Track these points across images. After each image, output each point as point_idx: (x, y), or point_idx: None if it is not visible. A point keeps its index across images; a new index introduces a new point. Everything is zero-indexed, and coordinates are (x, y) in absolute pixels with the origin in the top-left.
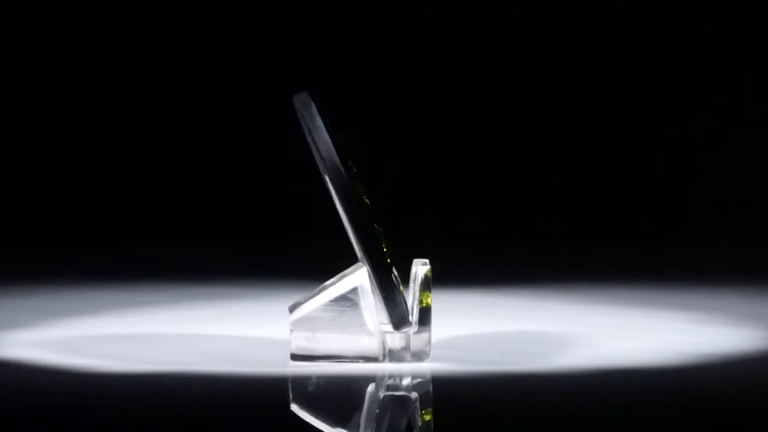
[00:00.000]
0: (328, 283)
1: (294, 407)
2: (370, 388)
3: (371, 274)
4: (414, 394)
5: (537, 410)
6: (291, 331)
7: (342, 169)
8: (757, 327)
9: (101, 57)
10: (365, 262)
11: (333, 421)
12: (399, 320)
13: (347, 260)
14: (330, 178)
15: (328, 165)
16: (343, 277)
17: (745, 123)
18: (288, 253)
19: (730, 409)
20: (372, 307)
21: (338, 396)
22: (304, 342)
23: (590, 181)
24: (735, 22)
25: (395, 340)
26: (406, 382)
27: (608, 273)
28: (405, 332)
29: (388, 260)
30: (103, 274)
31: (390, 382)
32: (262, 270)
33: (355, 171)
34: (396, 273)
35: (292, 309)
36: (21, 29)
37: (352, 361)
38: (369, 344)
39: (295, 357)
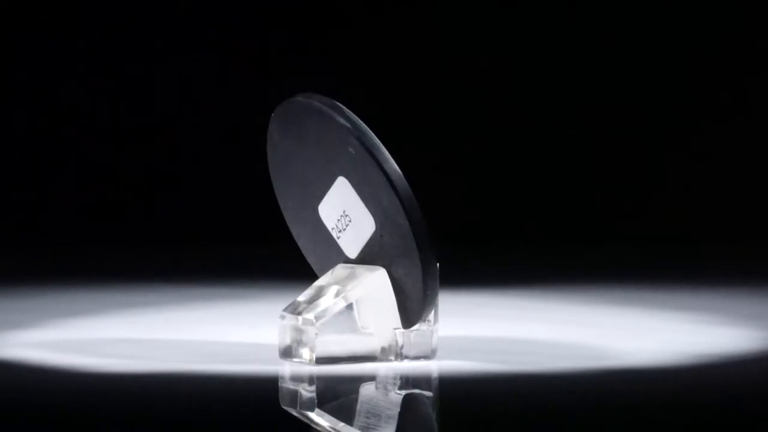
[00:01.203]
0: (306, 296)
1: (320, 411)
2: (387, 386)
3: (424, 269)
4: (425, 393)
5: (538, 409)
6: (316, 335)
7: (396, 166)
8: (757, 327)
9: (102, 55)
10: (411, 256)
11: (346, 420)
12: (424, 316)
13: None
14: (387, 172)
15: (383, 162)
16: (340, 280)
17: (745, 123)
18: (287, 253)
19: (730, 409)
20: (391, 307)
21: (350, 395)
22: (329, 345)
23: (590, 181)
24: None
25: (410, 337)
26: (415, 380)
27: (608, 273)
28: (423, 330)
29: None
30: (103, 275)
31: (404, 381)
32: (262, 270)
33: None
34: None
35: (289, 311)
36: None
37: (372, 361)
38: (389, 343)
39: (320, 360)
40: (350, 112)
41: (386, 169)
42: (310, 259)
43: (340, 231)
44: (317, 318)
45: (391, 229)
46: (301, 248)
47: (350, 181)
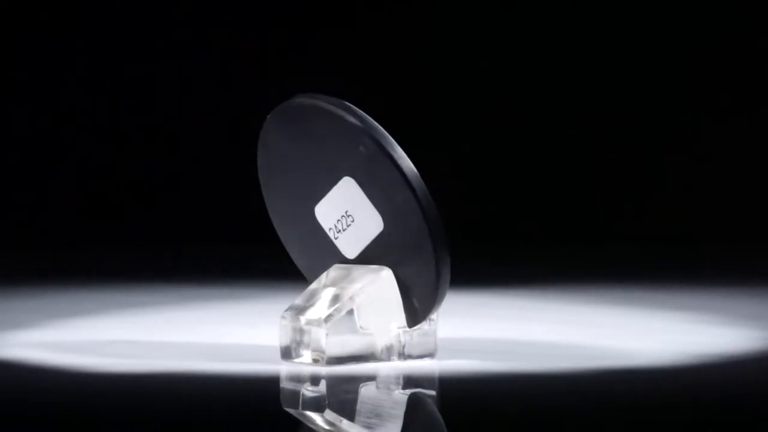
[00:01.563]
0: (306, 298)
1: (321, 411)
2: (390, 385)
3: (438, 267)
4: (427, 392)
5: (538, 409)
6: (326, 335)
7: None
8: (757, 327)
9: (102, 55)
10: (423, 255)
11: (347, 420)
12: (430, 315)
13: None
14: (403, 170)
15: (398, 160)
16: (338, 281)
17: (745, 123)
18: (287, 253)
19: (730, 409)
20: (396, 307)
21: (351, 395)
22: (334, 346)
23: (590, 181)
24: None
25: (412, 337)
26: (416, 380)
27: (608, 273)
28: (426, 329)
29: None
30: (103, 275)
31: (405, 380)
32: (262, 270)
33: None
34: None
35: (291, 313)
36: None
37: (375, 361)
38: (392, 343)
39: (331, 360)
40: (360, 110)
41: (402, 167)
42: (299, 262)
43: (338, 231)
44: (325, 319)
45: (401, 228)
46: (290, 251)
47: (357, 180)
